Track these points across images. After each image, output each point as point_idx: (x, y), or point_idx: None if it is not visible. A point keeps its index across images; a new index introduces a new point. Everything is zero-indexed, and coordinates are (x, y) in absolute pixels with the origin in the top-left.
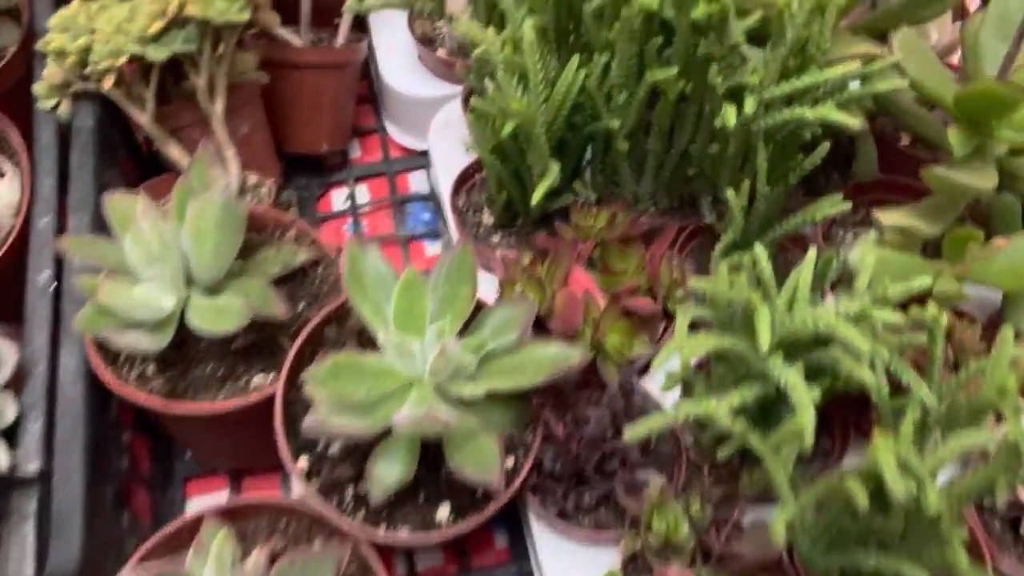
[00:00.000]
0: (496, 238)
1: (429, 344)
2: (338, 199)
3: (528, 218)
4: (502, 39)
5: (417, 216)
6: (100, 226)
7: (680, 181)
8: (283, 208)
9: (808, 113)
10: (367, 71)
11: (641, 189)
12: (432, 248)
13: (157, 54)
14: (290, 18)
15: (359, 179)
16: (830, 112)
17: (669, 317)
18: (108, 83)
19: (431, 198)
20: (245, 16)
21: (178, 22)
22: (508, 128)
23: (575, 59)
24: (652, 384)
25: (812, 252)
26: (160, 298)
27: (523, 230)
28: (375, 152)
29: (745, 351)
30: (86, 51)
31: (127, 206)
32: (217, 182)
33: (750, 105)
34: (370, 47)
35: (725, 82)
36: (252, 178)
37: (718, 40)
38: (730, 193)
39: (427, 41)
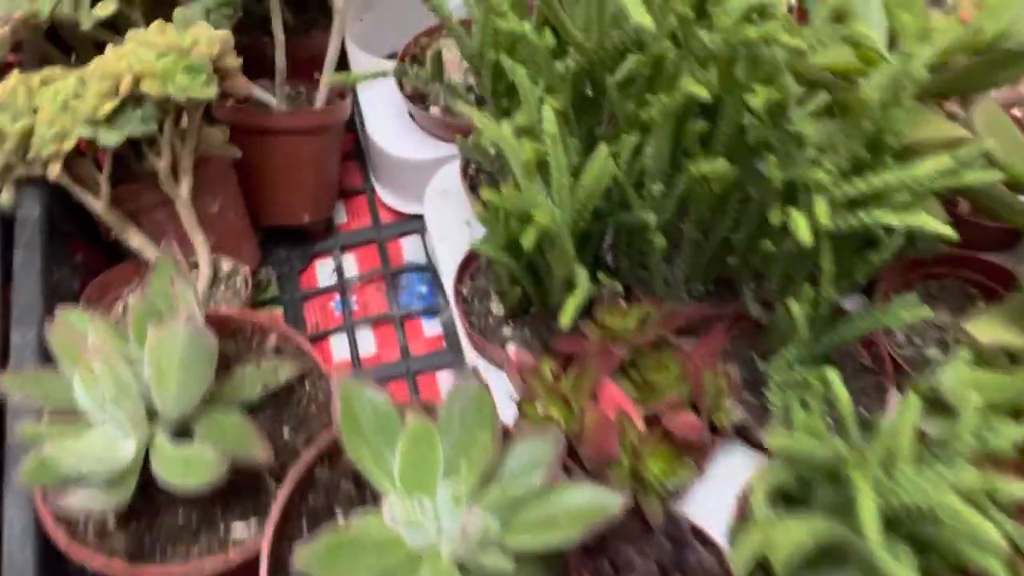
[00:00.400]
0: (507, 330)
1: (443, 507)
2: (323, 272)
3: (544, 307)
4: (515, 125)
5: (413, 289)
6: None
7: (719, 266)
8: (262, 288)
9: (894, 219)
10: (352, 124)
11: (673, 275)
12: (431, 327)
13: (110, 138)
14: (264, 68)
15: (346, 248)
16: (923, 220)
17: (715, 431)
18: (55, 171)
19: (427, 268)
20: (212, 92)
21: (133, 99)
22: (530, 237)
23: (603, 149)
24: (697, 506)
25: (913, 399)
26: (117, 446)
27: (538, 321)
28: (363, 216)
29: (846, 537)
30: (28, 134)
31: (75, 336)
32: (183, 299)
33: (823, 212)
34: (355, 101)
35: (782, 173)
36: (225, 265)
37: (773, 125)
38: (794, 306)
39: (419, 98)
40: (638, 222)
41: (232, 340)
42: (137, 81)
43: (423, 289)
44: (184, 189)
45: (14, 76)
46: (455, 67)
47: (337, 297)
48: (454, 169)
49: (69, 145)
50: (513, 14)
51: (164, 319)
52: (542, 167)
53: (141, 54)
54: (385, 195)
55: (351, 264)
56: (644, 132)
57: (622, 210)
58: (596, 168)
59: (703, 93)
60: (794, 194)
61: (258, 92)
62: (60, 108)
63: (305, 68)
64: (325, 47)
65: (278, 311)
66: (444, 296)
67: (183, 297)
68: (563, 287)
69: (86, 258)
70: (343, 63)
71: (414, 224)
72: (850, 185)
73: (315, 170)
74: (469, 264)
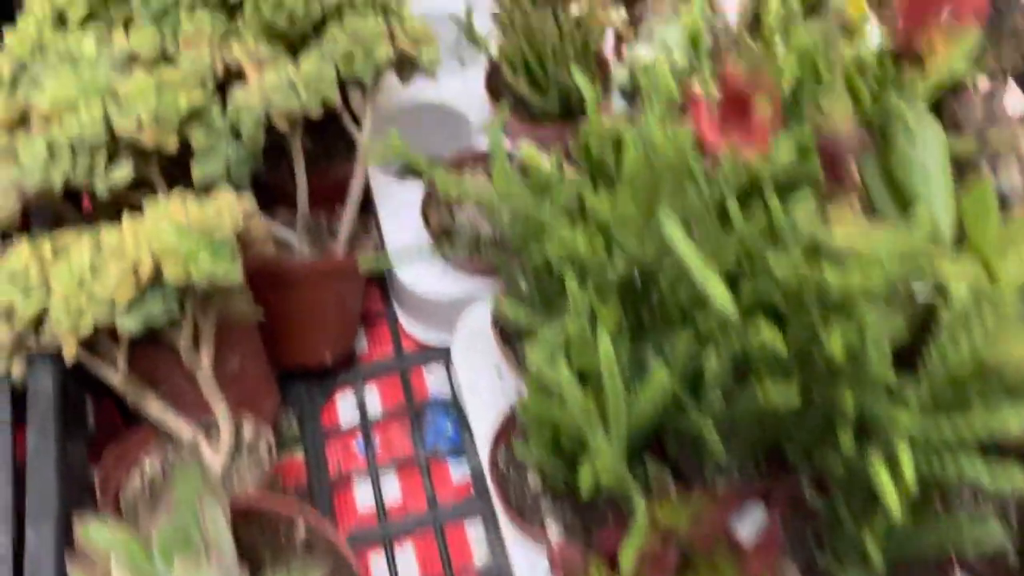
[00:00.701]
0: (547, 506)
1: None
2: (345, 406)
3: None
4: (565, 332)
5: (438, 428)
6: (69, 537)
7: (774, 449)
8: (283, 438)
9: (987, 482)
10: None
11: (726, 462)
12: (458, 470)
13: (129, 324)
14: (283, 198)
15: (368, 379)
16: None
17: None
18: (70, 354)
19: (453, 404)
20: (237, 274)
21: (154, 281)
22: (587, 480)
23: (660, 374)
24: None
25: None
26: None
27: (581, 502)
28: (385, 343)
29: None
30: (42, 313)
31: (95, 568)
32: (213, 528)
33: (907, 465)
34: (377, 227)
35: (856, 405)
36: (247, 431)
37: (851, 364)
38: (869, 542)
39: (445, 234)
40: (693, 427)
41: (259, 530)
42: (158, 265)
43: (449, 427)
44: (205, 361)
45: (25, 248)
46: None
47: (359, 436)
48: (484, 310)
49: (86, 328)
50: (564, 221)
51: (193, 549)
52: (589, 378)
53: (161, 232)
54: (408, 323)
55: (373, 396)
56: (698, 332)
57: (676, 411)
58: (652, 392)
59: (779, 344)
60: (868, 422)
61: (278, 230)
62: (76, 286)
63: (326, 196)
64: (345, 174)
65: (299, 457)
66: (471, 435)
67: (213, 527)
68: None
69: (100, 420)
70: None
71: (438, 353)
72: (937, 431)
73: (338, 311)
74: (506, 432)
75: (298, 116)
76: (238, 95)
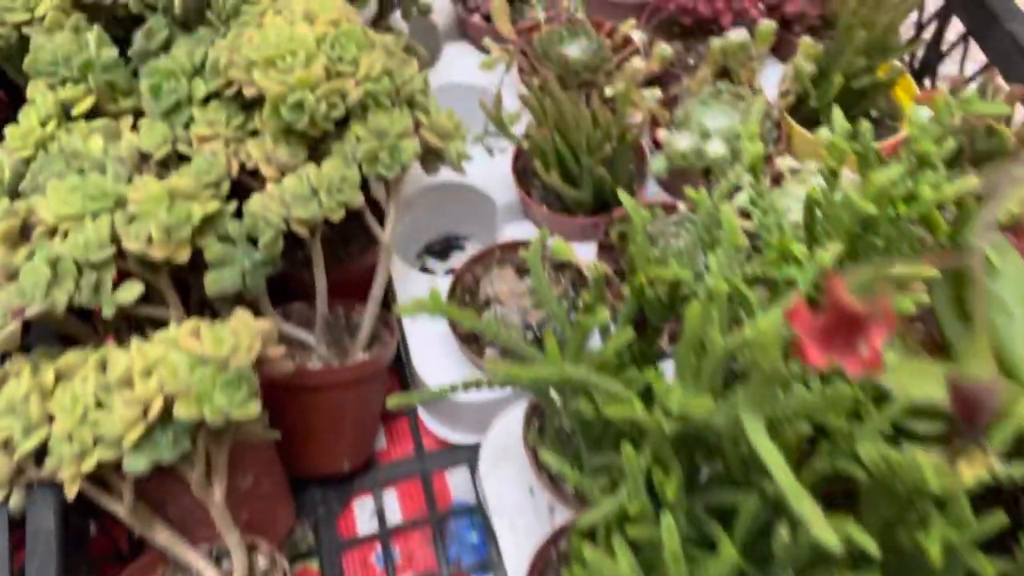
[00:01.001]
0: None
1: None
2: (363, 513)
3: None
4: (618, 506)
5: (462, 538)
6: None
7: None
8: (296, 549)
9: None
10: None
11: None
12: None
13: (136, 464)
14: (300, 291)
15: (387, 483)
16: None
17: None
18: (72, 491)
19: (478, 510)
20: (255, 409)
21: (164, 419)
22: None
23: (729, 551)
24: None
25: None
26: None
27: None
28: (405, 442)
29: None
30: (43, 447)
31: None
32: None
33: None
34: (399, 322)
35: None
36: (262, 560)
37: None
38: None
39: (470, 339)
40: None
41: None
42: (169, 405)
43: (474, 538)
44: (218, 494)
45: (25, 374)
46: (510, 297)
47: (378, 547)
48: (513, 421)
49: (89, 466)
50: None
51: None
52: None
53: (173, 363)
54: (429, 422)
55: (392, 502)
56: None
57: None
58: (719, 571)
59: (870, 545)
60: None
61: (295, 331)
62: (79, 421)
63: (344, 288)
64: (365, 265)
65: (314, 568)
66: (497, 548)
67: None
68: None
69: (102, 547)
70: None
71: (462, 453)
72: None
73: (358, 417)
74: (539, 563)
75: (319, 222)
76: (255, 202)
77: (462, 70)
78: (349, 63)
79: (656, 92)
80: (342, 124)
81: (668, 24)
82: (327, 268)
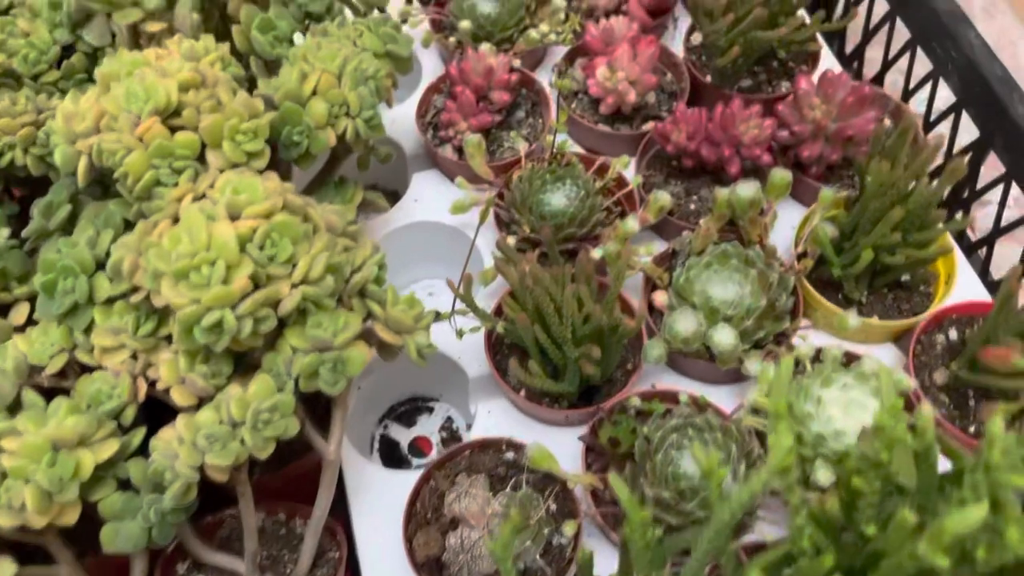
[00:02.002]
0: None
1: None
2: None
3: None
4: None
5: None
6: None
7: None
8: None
9: None
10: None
11: None
12: None
13: None
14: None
15: None
16: None
17: None
18: None
19: None
20: None
21: None
22: None
23: None
24: None
25: None
26: None
27: None
28: None
29: None
30: None
31: None
32: None
33: None
34: (348, 534)
35: None
36: None
37: None
38: None
39: (434, 563)
40: None
41: None
42: None
43: None
44: None
45: None
46: (481, 518)
47: None
48: None
49: None
50: None
51: None
52: None
53: None
54: None
55: None
56: None
57: None
58: None
59: None
60: None
61: (224, 560)
62: None
63: (283, 494)
64: (311, 464)
65: None
66: None
67: None
68: None
69: None
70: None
71: None
72: None
73: None
74: None
75: (242, 463)
76: (161, 443)
77: (432, 204)
78: (283, 264)
79: (652, 249)
80: (276, 335)
81: (667, 158)
82: (262, 475)
